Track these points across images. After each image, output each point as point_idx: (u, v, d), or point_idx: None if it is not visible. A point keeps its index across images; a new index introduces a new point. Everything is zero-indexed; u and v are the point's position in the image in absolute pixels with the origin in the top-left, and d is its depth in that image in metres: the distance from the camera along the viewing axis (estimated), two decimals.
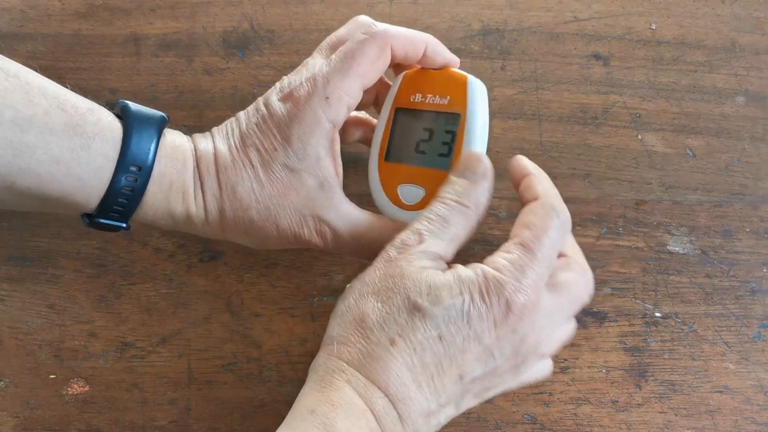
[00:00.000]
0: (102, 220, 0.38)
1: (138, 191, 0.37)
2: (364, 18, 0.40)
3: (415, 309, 0.33)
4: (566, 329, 0.37)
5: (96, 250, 0.46)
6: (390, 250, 0.35)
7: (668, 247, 0.46)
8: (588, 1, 0.53)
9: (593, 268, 0.37)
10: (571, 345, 0.44)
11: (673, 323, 0.45)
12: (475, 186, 0.36)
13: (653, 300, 0.45)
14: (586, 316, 0.45)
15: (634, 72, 0.51)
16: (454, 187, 0.37)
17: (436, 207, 0.36)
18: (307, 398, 0.33)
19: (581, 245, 0.46)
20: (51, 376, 0.43)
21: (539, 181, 0.37)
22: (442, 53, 0.40)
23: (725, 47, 0.52)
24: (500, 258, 0.34)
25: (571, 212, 0.36)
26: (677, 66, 0.51)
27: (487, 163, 0.37)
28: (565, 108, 0.50)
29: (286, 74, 0.38)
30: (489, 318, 0.33)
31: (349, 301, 0.34)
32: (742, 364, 0.44)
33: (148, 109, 0.38)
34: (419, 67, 0.41)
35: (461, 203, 0.36)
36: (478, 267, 0.34)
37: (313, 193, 0.38)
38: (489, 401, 0.42)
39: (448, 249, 0.36)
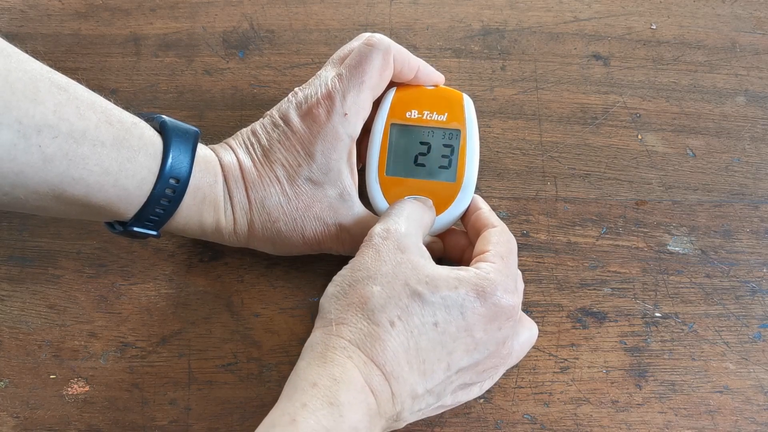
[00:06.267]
0: (136, 228, 0.39)
1: (174, 202, 0.38)
2: (367, 34, 0.43)
3: (414, 295, 0.35)
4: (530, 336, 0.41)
5: (96, 250, 0.46)
6: (375, 238, 0.38)
7: (668, 247, 0.46)
8: (588, 1, 0.53)
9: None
10: (571, 345, 0.44)
11: (673, 323, 0.45)
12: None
13: (653, 300, 0.45)
14: (586, 316, 0.45)
15: (634, 72, 0.51)
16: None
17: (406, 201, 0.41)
18: (306, 372, 0.34)
19: (581, 245, 0.46)
20: (51, 376, 0.43)
21: (494, 215, 0.41)
22: (432, 74, 0.43)
23: (725, 47, 0.52)
24: (486, 265, 0.37)
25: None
26: (677, 66, 0.51)
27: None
28: (565, 108, 0.50)
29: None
30: (482, 313, 0.35)
31: (344, 286, 0.36)
32: (742, 364, 0.44)
33: (183, 123, 0.40)
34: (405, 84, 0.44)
35: (425, 204, 0.41)
36: (470, 269, 0.37)
37: (334, 204, 0.41)
38: (489, 401, 0.43)
39: (423, 238, 0.39)
